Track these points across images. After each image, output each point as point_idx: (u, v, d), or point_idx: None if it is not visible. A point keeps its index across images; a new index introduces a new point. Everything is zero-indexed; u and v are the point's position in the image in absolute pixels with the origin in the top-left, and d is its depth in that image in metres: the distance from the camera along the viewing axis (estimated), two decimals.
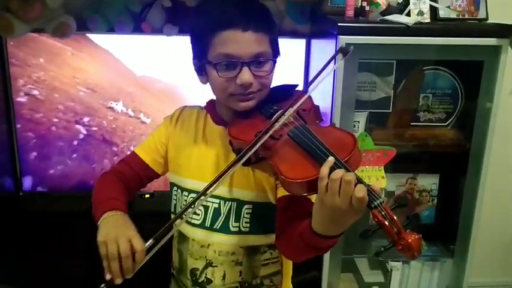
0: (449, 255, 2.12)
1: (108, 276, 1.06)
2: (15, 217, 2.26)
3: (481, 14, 1.89)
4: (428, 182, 2.17)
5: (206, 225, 1.30)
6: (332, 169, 0.94)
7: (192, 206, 1.17)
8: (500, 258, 2.69)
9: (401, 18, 1.78)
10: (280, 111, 1.14)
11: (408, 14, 1.84)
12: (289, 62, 2.17)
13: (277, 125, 1.10)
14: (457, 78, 2.03)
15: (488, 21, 1.90)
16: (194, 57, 1.27)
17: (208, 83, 1.26)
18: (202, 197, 1.14)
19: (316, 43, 2.11)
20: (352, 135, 1.06)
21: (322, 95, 1.96)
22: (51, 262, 2.18)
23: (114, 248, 1.06)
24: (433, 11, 1.86)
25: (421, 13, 1.83)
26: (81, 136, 2.20)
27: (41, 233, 2.20)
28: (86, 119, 2.18)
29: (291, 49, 2.16)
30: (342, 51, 1.19)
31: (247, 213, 1.28)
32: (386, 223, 0.92)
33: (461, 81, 2.03)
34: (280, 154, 1.08)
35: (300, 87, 1.32)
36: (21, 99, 2.13)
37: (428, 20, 1.84)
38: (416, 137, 2.06)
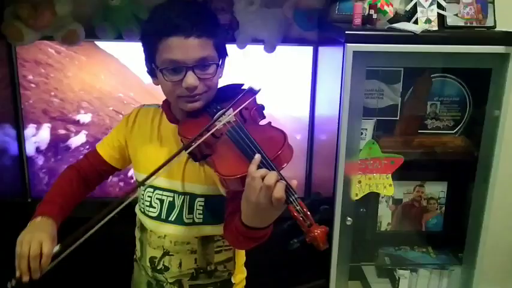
0: (458, 263, 2.10)
1: (17, 274, 1.18)
2: (23, 223, 2.26)
3: (489, 22, 1.89)
4: (436, 190, 2.16)
5: (162, 217, 1.38)
6: (259, 167, 1.05)
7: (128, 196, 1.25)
8: (509, 266, 2.67)
9: (409, 26, 1.78)
10: (220, 111, 1.24)
11: (416, 22, 1.84)
12: (297, 69, 2.17)
13: (218, 125, 1.20)
14: (464, 85, 2.03)
15: (496, 29, 1.90)
16: (145, 61, 1.34)
17: (159, 85, 1.33)
18: (142, 187, 1.30)
19: (323, 50, 2.12)
20: (283, 133, 1.17)
21: (329, 103, 1.96)
22: (58, 267, 2.18)
23: (26, 248, 1.19)
24: (441, 19, 1.86)
25: (428, 21, 1.83)
26: (89, 143, 2.21)
27: None
28: (93, 126, 2.19)
29: (298, 56, 2.17)
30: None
31: (199, 206, 1.36)
32: (300, 217, 1.02)
33: (469, 88, 2.03)
34: (218, 152, 1.19)
35: (248, 88, 1.37)
36: (29, 105, 2.15)
37: (436, 28, 1.84)
38: (424, 145, 2.05)
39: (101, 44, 2.10)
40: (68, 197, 1.42)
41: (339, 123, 1.79)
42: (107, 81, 2.15)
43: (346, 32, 1.71)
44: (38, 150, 2.20)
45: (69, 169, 1.49)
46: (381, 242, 2.19)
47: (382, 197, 2.13)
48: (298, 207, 1.03)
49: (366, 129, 1.96)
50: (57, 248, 1.22)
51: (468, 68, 1.88)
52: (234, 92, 1.32)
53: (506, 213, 2.50)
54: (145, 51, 1.32)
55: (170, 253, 1.40)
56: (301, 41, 2.18)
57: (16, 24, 1.94)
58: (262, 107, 1.32)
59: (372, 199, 2.09)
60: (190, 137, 1.22)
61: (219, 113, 1.24)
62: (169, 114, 1.40)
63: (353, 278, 2.09)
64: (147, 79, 2.13)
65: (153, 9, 1.31)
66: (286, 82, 2.16)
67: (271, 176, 1.02)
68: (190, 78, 1.23)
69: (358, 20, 1.82)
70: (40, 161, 2.21)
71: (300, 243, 1.05)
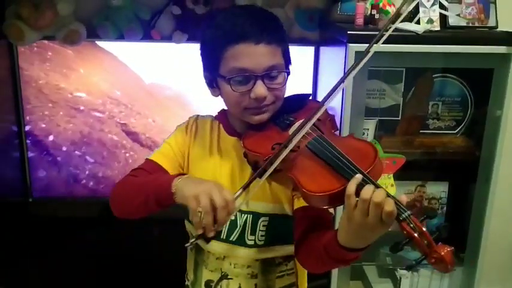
0: (459, 264, 2.09)
1: (200, 231, 1.02)
2: (25, 223, 2.27)
3: (491, 22, 1.89)
4: (437, 190, 2.15)
5: (222, 237, 1.27)
6: (359, 185, 0.93)
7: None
8: (511, 266, 2.67)
9: (411, 26, 1.78)
10: (298, 124, 1.13)
11: (418, 22, 1.83)
12: (298, 69, 2.16)
13: (296, 138, 1.08)
14: (466, 85, 2.03)
15: (498, 30, 1.89)
16: (205, 70, 1.25)
17: (219, 96, 1.24)
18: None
19: (325, 50, 2.12)
20: (372, 145, 1.05)
21: (331, 102, 1.96)
22: (60, 267, 2.19)
23: (207, 201, 1.01)
24: (443, 19, 1.85)
25: (430, 21, 1.83)
26: (90, 142, 2.21)
27: (50, 238, 2.21)
28: (95, 126, 2.19)
29: (300, 56, 2.16)
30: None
31: (263, 226, 1.26)
32: (416, 235, 0.90)
33: (471, 88, 2.03)
34: (299, 166, 1.07)
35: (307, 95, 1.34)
36: (31, 104, 2.15)
37: (438, 28, 1.83)
38: (425, 145, 2.05)
39: (102, 43, 2.10)
40: None
41: (340, 123, 1.79)
42: (109, 80, 2.15)
43: (349, 32, 1.71)
44: (39, 150, 2.20)
45: (128, 177, 1.27)
46: (382, 241, 2.18)
47: None
48: (412, 225, 0.91)
49: (368, 129, 1.96)
50: (239, 191, 1.08)
51: (470, 68, 1.88)
52: (301, 103, 1.25)
53: (508, 214, 2.50)
54: (207, 59, 1.23)
55: (229, 277, 1.29)
56: (302, 41, 2.17)
57: (17, 23, 1.94)
58: (334, 118, 1.24)
59: None
60: (259, 151, 1.13)
61: (296, 125, 1.14)
62: (227, 125, 1.30)
63: (354, 278, 2.10)
64: (148, 79, 2.16)
65: (216, 15, 1.22)
66: (287, 82, 2.16)
67: (380, 193, 0.90)
68: (260, 88, 1.15)
69: (360, 20, 1.82)
70: (41, 160, 2.21)
71: (419, 264, 0.93)
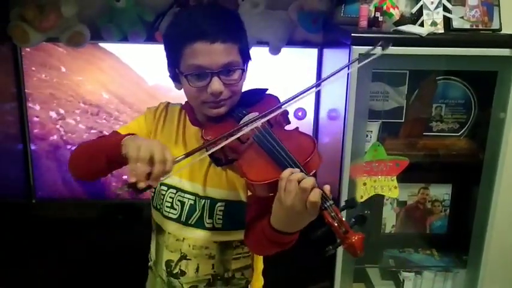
0: (462, 266, 2.10)
1: (133, 179, 1.05)
2: (28, 224, 2.27)
3: (495, 25, 1.89)
4: (441, 192, 2.16)
5: (182, 219, 1.36)
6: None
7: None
8: None
9: (414, 29, 1.78)
10: (248, 117, 1.23)
11: (422, 25, 1.84)
12: (301, 71, 2.17)
13: (244, 130, 1.17)
14: (470, 88, 2.03)
15: (501, 32, 1.89)
16: (168, 65, 1.32)
17: (182, 89, 1.31)
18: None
19: (328, 53, 2.12)
20: (312, 139, 1.17)
21: (335, 105, 1.96)
22: (62, 269, 2.19)
23: (147, 152, 1.06)
24: (447, 21, 1.86)
25: (434, 23, 1.83)
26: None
27: (53, 240, 2.22)
28: (98, 127, 2.19)
29: (303, 58, 2.17)
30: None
31: (219, 211, 1.34)
32: (335, 224, 1.00)
33: (474, 91, 2.03)
34: (246, 156, 1.18)
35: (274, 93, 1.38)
36: (35, 106, 2.15)
37: (442, 31, 1.84)
38: (428, 147, 2.05)
39: (106, 45, 2.10)
40: None
41: (344, 125, 1.80)
42: (112, 82, 2.16)
43: (352, 35, 1.71)
44: (43, 151, 2.20)
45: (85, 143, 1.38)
46: (385, 244, 2.19)
47: (387, 199, 2.13)
48: (333, 214, 1.00)
49: (371, 131, 1.96)
50: (182, 156, 1.13)
51: (473, 70, 1.88)
52: (258, 97, 1.32)
53: (511, 216, 2.50)
54: (168, 55, 1.31)
55: (187, 257, 1.38)
56: (306, 44, 2.18)
57: (22, 25, 1.94)
58: (287, 112, 1.30)
59: (376, 201, 2.09)
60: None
61: (246, 118, 1.23)
62: (192, 116, 1.38)
63: (357, 280, 2.09)
64: (152, 80, 2.17)
65: (178, 13, 1.30)
66: (290, 84, 2.17)
67: (309, 180, 1.00)
68: (216, 84, 1.22)
69: (364, 23, 1.82)
70: (45, 162, 2.22)
71: (335, 249, 1.01)
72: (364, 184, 1.92)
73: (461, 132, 2.07)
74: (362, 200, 1.92)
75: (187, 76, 1.23)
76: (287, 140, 1.17)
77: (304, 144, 1.16)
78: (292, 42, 2.16)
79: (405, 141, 2.04)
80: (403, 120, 2.04)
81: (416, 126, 2.05)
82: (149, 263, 1.51)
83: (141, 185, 1.04)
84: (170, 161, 1.07)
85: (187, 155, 1.14)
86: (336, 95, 1.92)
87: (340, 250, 1.88)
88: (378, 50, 1.25)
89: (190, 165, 1.26)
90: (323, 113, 2.20)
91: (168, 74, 1.34)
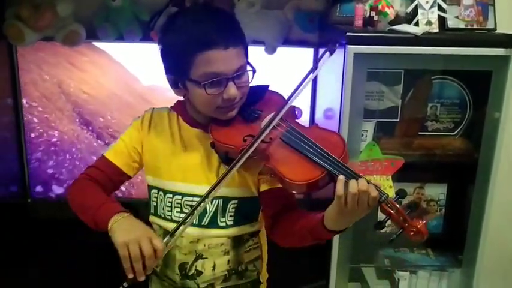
0: (457, 265, 2.10)
1: (130, 275, 1.13)
2: (24, 224, 2.27)
3: (490, 24, 1.89)
4: (436, 192, 2.16)
5: (195, 222, 1.34)
6: (341, 173, 1.08)
7: (196, 210, 1.25)
8: (509, 268, 2.67)
9: (409, 28, 1.78)
10: (269, 117, 1.23)
11: (417, 24, 1.84)
12: (297, 71, 2.16)
13: (267, 130, 1.19)
14: (465, 87, 2.03)
15: (496, 32, 1.90)
16: (169, 73, 1.31)
17: (184, 95, 1.33)
18: (206, 200, 1.23)
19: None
20: (338, 134, 1.21)
21: (330, 104, 1.97)
22: (59, 269, 2.18)
23: (137, 249, 1.12)
24: (442, 21, 1.86)
25: (429, 23, 1.83)
26: (89, 144, 2.21)
27: (49, 240, 2.21)
28: (94, 127, 2.19)
29: (299, 58, 2.17)
30: (329, 50, 1.28)
31: (232, 208, 1.35)
32: (393, 212, 1.07)
33: (470, 90, 2.03)
34: (276, 157, 1.18)
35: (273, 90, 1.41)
36: (30, 106, 2.15)
37: (437, 30, 1.84)
38: (424, 147, 2.05)
39: (101, 44, 2.10)
40: (109, 195, 1.36)
41: (339, 124, 1.80)
42: (108, 82, 2.16)
43: (347, 34, 1.71)
44: (38, 151, 2.20)
45: (78, 182, 1.37)
46: (380, 243, 2.19)
47: None
48: (389, 205, 1.07)
49: (367, 130, 1.96)
50: (167, 238, 1.20)
51: (468, 70, 1.88)
52: (261, 94, 1.34)
53: (506, 216, 2.50)
54: (173, 62, 1.28)
55: (204, 256, 1.37)
56: (301, 43, 2.18)
57: (17, 24, 1.94)
58: (294, 108, 1.34)
59: None
60: (231, 143, 1.23)
61: (267, 119, 1.24)
62: (187, 117, 1.37)
63: (353, 279, 2.09)
64: (147, 81, 2.16)
65: (176, 19, 1.27)
66: (286, 84, 2.16)
67: (363, 182, 1.06)
68: (232, 89, 1.22)
69: (359, 22, 1.83)
70: (40, 162, 2.21)
71: (398, 237, 1.10)
72: None
73: (456, 131, 2.07)
74: None
75: (204, 85, 1.22)
76: (313, 136, 1.18)
77: (332, 139, 1.18)
78: (288, 42, 2.16)
79: (400, 140, 2.04)
80: (398, 120, 2.03)
81: (412, 125, 2.05)
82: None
83: (141, 278, 1.13)
84: (161, 250, 1.14)
85: (171, 234, 1.20)
86: (331, 94, 1.92)
87: (334, 249, 1.89)
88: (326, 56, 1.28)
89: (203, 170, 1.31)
90: (319, 113, 2.20)
91: (168, 81, 1.32)
